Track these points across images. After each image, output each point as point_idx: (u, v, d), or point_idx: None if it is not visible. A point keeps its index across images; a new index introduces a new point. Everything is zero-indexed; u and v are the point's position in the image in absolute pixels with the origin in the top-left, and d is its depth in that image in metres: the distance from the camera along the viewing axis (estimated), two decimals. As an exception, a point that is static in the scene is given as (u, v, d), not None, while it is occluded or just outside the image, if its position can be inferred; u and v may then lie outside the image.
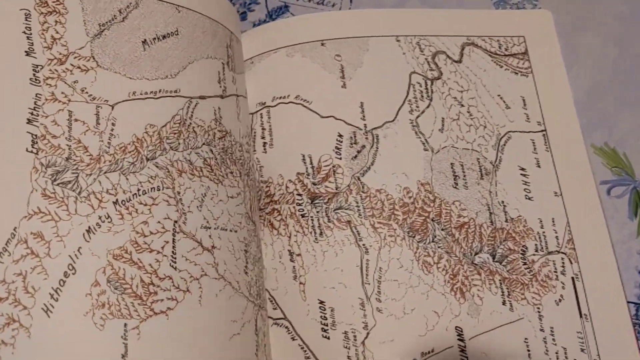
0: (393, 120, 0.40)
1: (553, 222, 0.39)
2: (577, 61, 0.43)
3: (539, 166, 0.40)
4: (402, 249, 0.37)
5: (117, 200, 0.32)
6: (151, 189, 0.33)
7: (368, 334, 0.36)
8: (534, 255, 0.38)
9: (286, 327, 0.36)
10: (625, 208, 0.40)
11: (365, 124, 0.39)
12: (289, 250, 0.37)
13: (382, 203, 0.38)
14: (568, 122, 0.41)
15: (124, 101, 0.34)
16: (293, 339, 0.36)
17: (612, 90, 0.43)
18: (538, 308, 0.37)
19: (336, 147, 0.39)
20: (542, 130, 0.41)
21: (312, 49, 0.41)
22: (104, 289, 0.30)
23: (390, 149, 0.39)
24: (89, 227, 0.31)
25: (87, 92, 0.33)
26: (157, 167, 0.33)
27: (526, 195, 0.39)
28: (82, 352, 0.29)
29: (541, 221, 0.39)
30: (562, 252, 0.38)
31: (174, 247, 0.33)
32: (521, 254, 0.38)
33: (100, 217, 0.31)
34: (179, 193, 0.34)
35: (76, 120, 0.32)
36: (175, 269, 0.32)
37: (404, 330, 0.36)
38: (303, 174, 0.38)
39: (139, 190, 0.33)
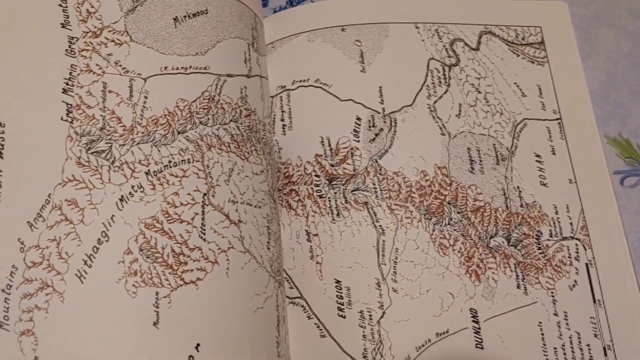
0: (411, 104, 0.40)
1: (567, 208, 0.39)
2: (592, 53, 0.44)
3: (554, 153, 0.40)
4: (418, 231, 0.38)
5: (149, 170, 0.33)
6: (182, 161, 0.34)
7: (384, 313, 0.36)
8: (548, 240, 0.38)
9: (302, 306, 0.37)
10: (638, 198, 0.41)
11: (383, 108, 0.40)
12: (306, 231, 0.38)
13: (399, 185, 0.38)
14: (583, 112, 0.41)
15: (156, 75, 0.34)
16: (309, 317, 0.36)
17: (626, 82, 0.43)
18: (552, 292, 0.37)
19: (354, 129, 0.39)
20: (558, 119, 0.41)
21: (333, 34, 0.41)
22: (136, 257, 0.31)
23: (408, 133, 0.40)
24: (122, 196, 0.32)
25: (120, 65, 0.34)
26: (187, 140, 0.34)
27: (541, 181, 0.40)
28: (115, 318, 0.30)
29: (556, 207, 0.39)
30: (576, 239, 0.38)
31: (203, 219, 0.33)
32: (536, 238, 0.38)
33: (133, 187, 0.32)
34: (208, 167, 0.34)
35: (110, 91, 0.33)
36: (204, 240, 0.33)
37: (419, 311, 0.36)
38: (321, 156, 0.39)
39: (170, 162, 0.33)
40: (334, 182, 0.38)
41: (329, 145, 0.39)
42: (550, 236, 0.38)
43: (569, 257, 0.38)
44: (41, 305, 0.29)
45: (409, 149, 0.39)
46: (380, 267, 0.37)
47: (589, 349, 0.36)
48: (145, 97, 0.34)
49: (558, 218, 0.39)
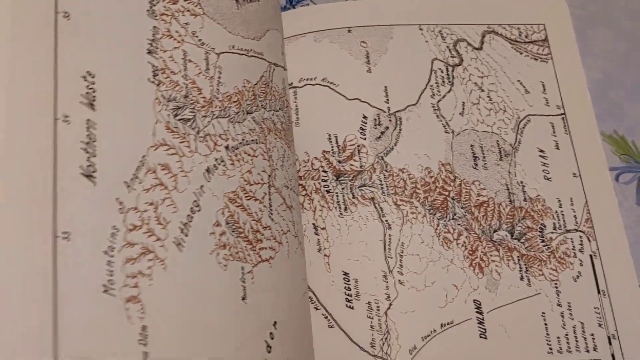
0: (415, 103, 0.41)
1: (571, 201, 0.40)
2: (590, 53, 0.45)
3: (558, 148, 0.41)
4: (423, 226, 0.39)
5: (228, 145, 0.33)
6: (251, 140, 0.34)
7: (390, 304, 0.37)
8: (552, 233, 0.39)
9: (309, 297, 0.38)
10: (633, 194, 0.41)
11: (388, 107, 0.41)
12: (314, 224, 0.39)
13: (405, 182, 0.39)
14: (587, 106, 0.42)
15: (226, 52, 0.35)
16: (316, 308, 0.37)
17: (622, 81, 0.44)
18: (555, 284, 0.38)
19: (361, 127, 0.40)
20: (562, 114, 0.42)
21: (340, 35, 0.43)
22: (224, 230, 0.31)
23: (413, 131, 0.41)
24: (208, 168, 0.32)
25: (197, 36, 0.34)
26: (254, 121, 0.35)
27: (545, 175, 0.40)
28: (210, 290, 0.29)
29: (559, 201, 0.40)
30: (581, 231, 0.39)
31: (270, 199, 0.34)
32: (539, 231, 0.39)
33: (216, 160, 0.32)
34: (269, 150, 0.35)
35: (190, 61, 0.33)
36: (272, 220, 0.33)
37: (425, 302, 0.37)
38: (328, 152, 0.40)
39: (243, 139, 0.34)
40: (342, 178, 0.39)
41: (336, 142, 0.40)
42: (554, 229, 0.39)
43: (573, 249, 0.39)
44: (145, 271, 0.28)
45: (414, 147, 0.40)
46: (387, 260, 0.38)
47: (593, 338, 0.37)
48: (220, 73, 0.34)
49: (562, 211, 0.40)
